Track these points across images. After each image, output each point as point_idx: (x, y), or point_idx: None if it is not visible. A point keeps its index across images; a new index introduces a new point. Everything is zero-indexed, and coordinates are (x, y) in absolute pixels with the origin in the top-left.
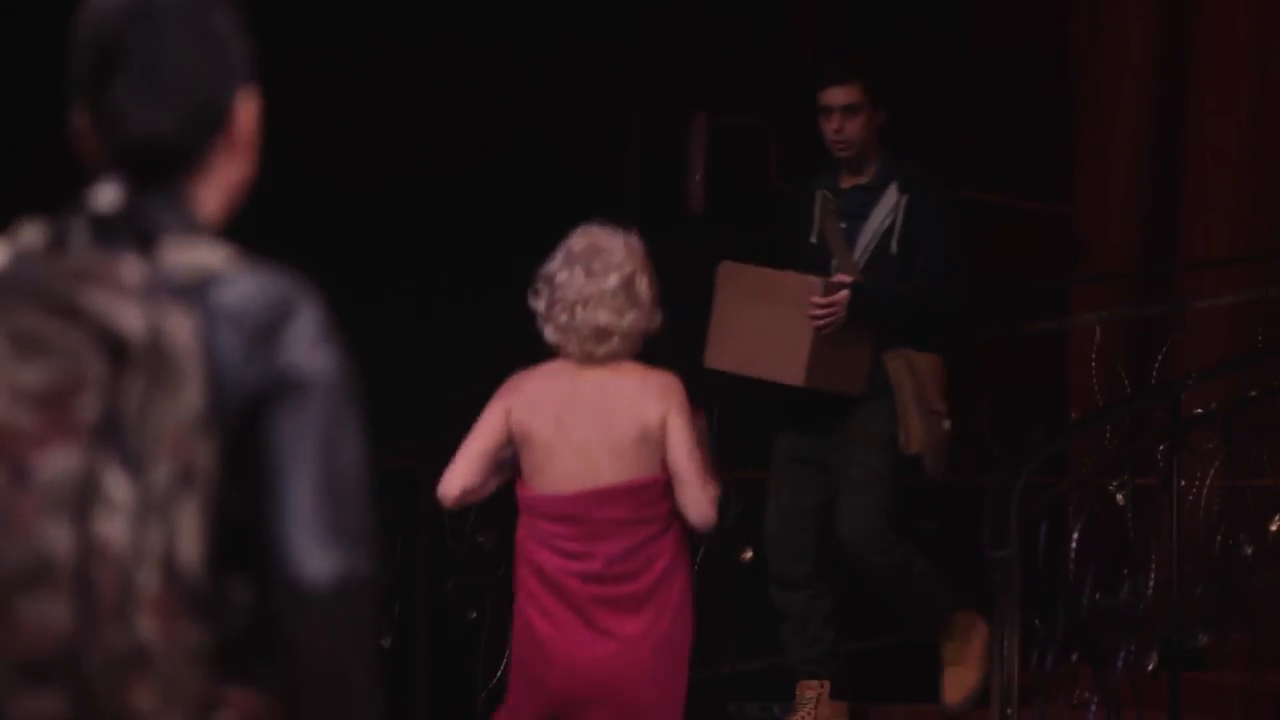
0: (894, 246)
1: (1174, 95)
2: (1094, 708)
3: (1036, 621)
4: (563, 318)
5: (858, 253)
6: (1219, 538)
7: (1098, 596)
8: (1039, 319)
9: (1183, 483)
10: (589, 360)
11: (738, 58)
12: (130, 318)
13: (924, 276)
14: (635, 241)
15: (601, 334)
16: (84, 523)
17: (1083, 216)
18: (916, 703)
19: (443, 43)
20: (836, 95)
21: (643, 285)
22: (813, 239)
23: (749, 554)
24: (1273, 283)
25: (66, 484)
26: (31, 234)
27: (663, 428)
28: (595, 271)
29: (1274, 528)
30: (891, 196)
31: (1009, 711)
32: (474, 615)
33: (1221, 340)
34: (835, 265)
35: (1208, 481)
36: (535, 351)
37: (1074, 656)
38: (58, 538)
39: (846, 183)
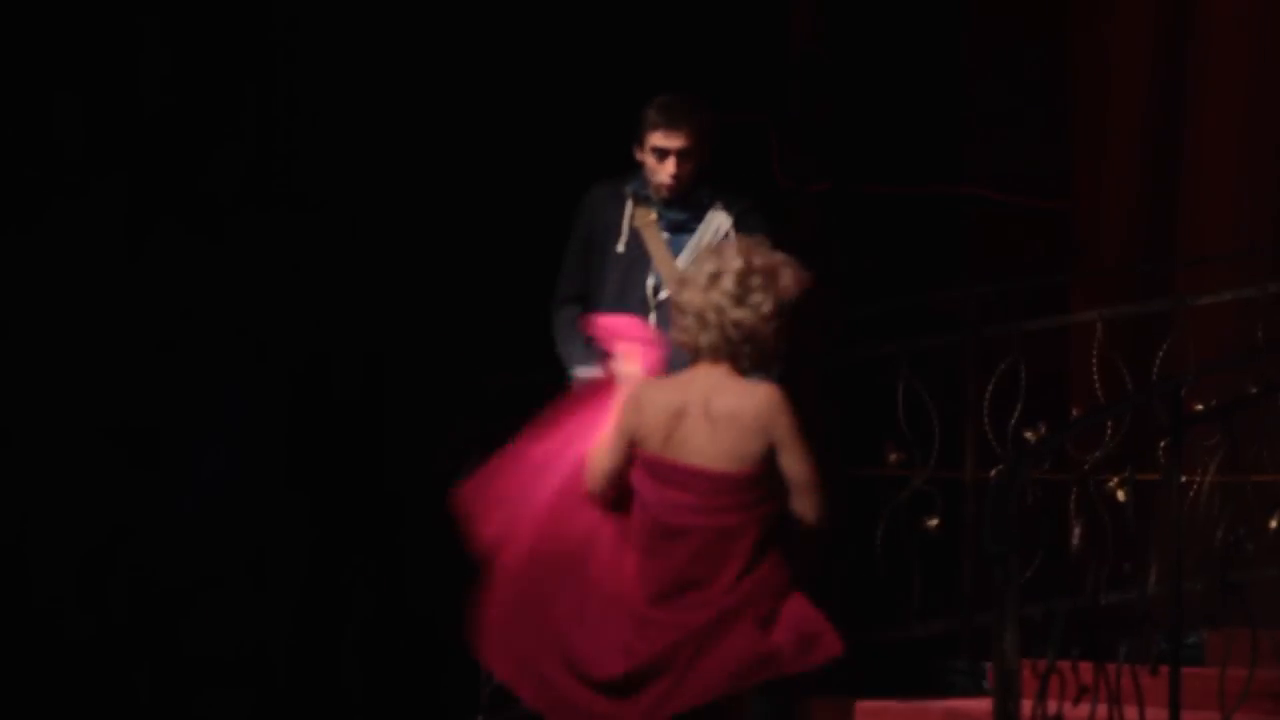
0: None
1: (1173, 93)
2: (1095, 703)
3: (1038, 616)
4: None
5: (682, 264)
6: (1219, 533)
7: (1099, 592)
8: (1039, 316)
9: (1183, 479)
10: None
11: (739, 55)
12: None
13: None
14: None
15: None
16: None
17: (1082, 213)
18: (913, 698)
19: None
20: (673, 139)
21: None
22: (619, 248)
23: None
24: (1273, 279)
25: None
26: None
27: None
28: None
29: (1274, 523)
30: (719, 215)
31: (1010, 707)
32: None
33: (1222, 337)
34: (656, 277)
35: (1208, 477)
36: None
37: (1075, 652)
38: None
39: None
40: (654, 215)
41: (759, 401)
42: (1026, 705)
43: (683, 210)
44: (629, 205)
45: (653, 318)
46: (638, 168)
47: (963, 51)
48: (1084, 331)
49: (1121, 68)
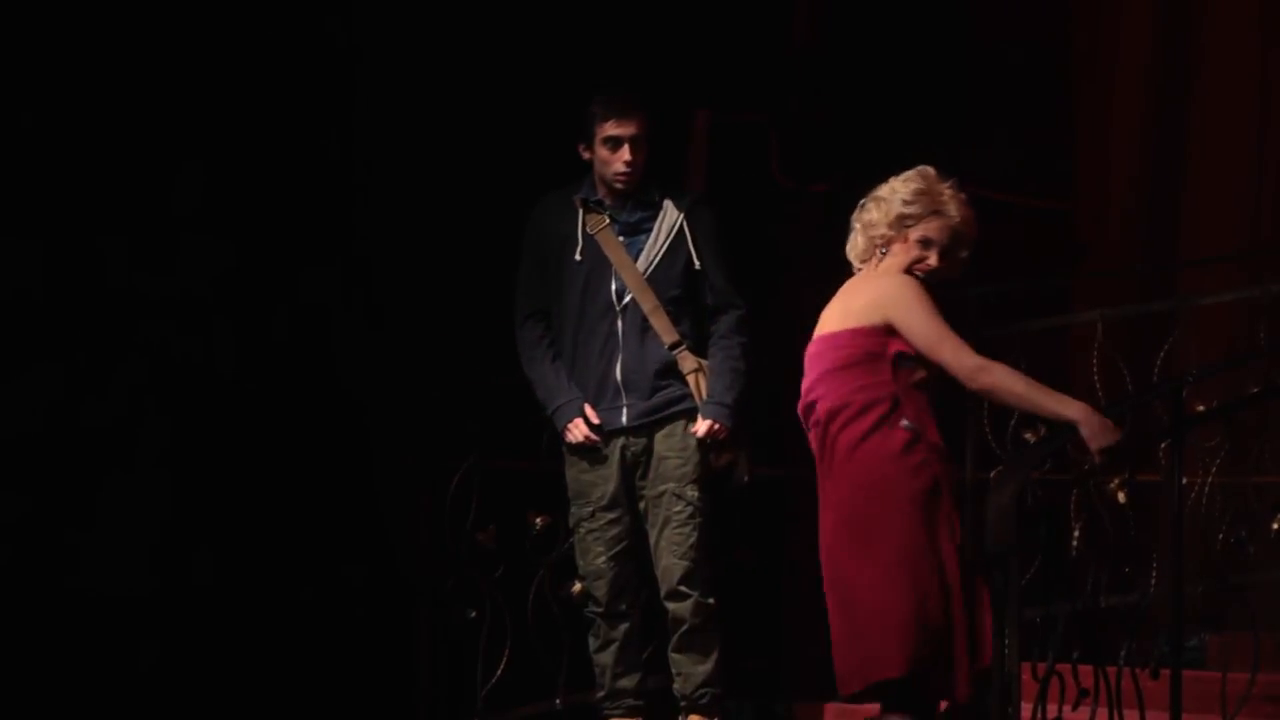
0: (694, 260)
1: (1175, 93)
2: (1095, 707)
3: (1037, 619)
4: None
5: (642, 266)
6: (1221, 535)
7: (1099, 594)
8: (1040, 316)
9: (1184, 480)
10: None
11: (739, 55)
12: None
13: (732, 317)
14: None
15: None
16: None
17: (1083, 214)
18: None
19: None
20: (625, 126)
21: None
22: (577, 257)
23: None
24: (1274, 279)
25: None
26: None
27: None
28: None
29: (1276, 525)
30: (671, 211)
31: (1010, 710)
32: (473, 614)
33: (1223, 337)
34: (618, 281)
35: (1209, 478)
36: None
37: (1075, 655)
38: None
39: (611, 200)
40: (607, 220)
41: None
42: (1026, 709)
43: (635, 211)
44: (580, 213)
45: (619, 324)
46: (585, 171)
47: (962, 51)
48: (1085, 332)
49: (1123, 66)
